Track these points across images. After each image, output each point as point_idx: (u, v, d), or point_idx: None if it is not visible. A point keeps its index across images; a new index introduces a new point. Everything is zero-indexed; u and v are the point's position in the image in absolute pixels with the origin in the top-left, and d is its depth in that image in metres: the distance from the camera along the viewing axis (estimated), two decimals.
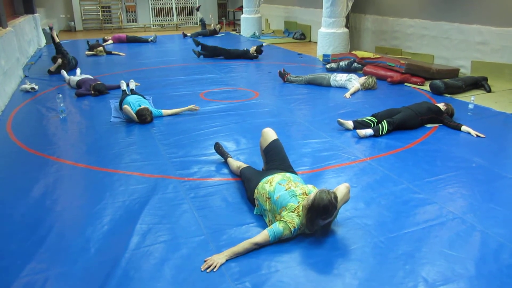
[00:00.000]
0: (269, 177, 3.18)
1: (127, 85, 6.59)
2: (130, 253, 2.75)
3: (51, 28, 9.23)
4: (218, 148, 4.21)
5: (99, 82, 6.86)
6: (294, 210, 2.85)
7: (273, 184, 3.06)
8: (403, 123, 5.01)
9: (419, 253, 2.76)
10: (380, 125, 4.92)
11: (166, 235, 2.97)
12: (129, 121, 5.43)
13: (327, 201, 2.70)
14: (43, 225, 3.10)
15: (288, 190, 2.98)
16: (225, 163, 4.10)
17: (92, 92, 6.70)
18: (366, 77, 7.11)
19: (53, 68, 8.26)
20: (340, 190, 2.89)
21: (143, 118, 5.30)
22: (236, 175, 3.85)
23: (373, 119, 5.10)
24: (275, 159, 3.47)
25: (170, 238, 2.92)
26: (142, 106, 5.42)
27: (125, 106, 5.38)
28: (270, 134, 3.60)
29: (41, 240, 2.91)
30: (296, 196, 2.93)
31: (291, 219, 2.81)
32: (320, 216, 2.75)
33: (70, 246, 2.86)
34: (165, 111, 5.66)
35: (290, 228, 2.79)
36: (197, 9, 16.08)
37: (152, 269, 2.61)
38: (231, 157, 4.08)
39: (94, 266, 2.65)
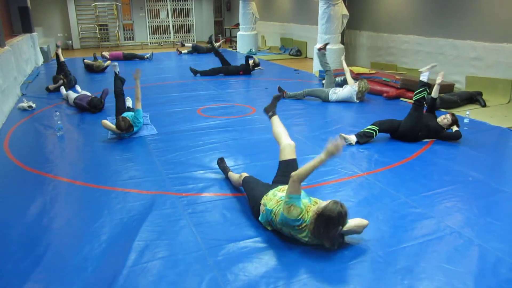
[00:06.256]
0: (282, 186, 3.19)
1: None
2: (127, 270, 2.73)
3: (58, 46, 9.06)
4: (222, 162, 4.25)
5: (93, 97, 6.85)
6: (307, 207, 2.89)
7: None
8: (391, 130, 5.18)
9: (418, 268, 2.75)
10: (363, 130, 5.13)
11: (164, 251, 2.96)
12: (123, 138, 5.43)
13: (337, 212, 2.73)
14: (40, 244, 3.08)
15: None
16: (226, 179, 4.11)
17: (89, 107, 6.73)
18: (357, 82, 7.19)
19: (52, 87, 8.26)
20: (356, 220, 2.97)
21: (119, 127, 5.27)
22: (236, 186, 3.86)
23: (374, 127, 5.14)
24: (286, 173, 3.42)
25: (168, 255, 2.91)
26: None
27: (103, 122, 5.40)
28: (290, 151, 3.53)
29: (38, 259, 2.89)
30: (310, 198, 3.00)
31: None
32: (327, 226, 2.77)
33: (68, 265, 2.84)
34: (136, 104, 5.58)
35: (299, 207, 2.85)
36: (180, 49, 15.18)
37: (150, 286, 2.59)
38: (231, 171, 4.09)
39: (91, 284, 2.63)
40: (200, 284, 2.60)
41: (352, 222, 2.93)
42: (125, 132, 5.36)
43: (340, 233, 2.84)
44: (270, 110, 3.94)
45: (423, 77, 5.10)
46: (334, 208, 2.74)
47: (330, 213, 2.73)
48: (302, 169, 2.82)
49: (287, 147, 3.54)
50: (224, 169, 4.19)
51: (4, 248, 3.06)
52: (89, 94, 7.24)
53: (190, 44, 14.48)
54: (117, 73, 6.38)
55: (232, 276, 2.67)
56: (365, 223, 2.98)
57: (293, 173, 2.82)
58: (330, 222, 2.74)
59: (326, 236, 2.81)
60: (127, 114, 5.59)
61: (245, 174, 3.74)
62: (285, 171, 3.37)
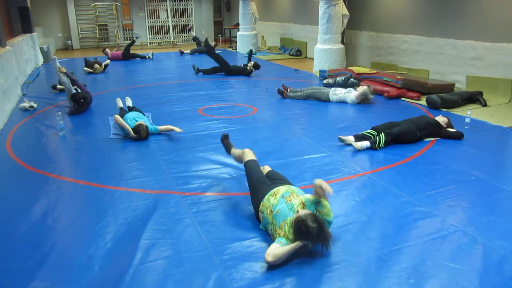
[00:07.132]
0: (274, 190, 3.18)
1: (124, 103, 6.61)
2: (134, 269, 2.74)
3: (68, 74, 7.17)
4: (226, 139, 4.11)
5: (74, 94, 6.73)
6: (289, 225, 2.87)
7: (277, 197, 3.07)
8: (402, 135, 5.03)
9: (423, 266, 2.77)
10: (378, 137, 4.95)
11: (169, 250, 2.97)
12: (128, 138, 5.43)
13: (304, 228, 2.72)
14: (45, 244, 3.09)
15: (288, 203, 2.99)
16: (229, 155, 4.06)
17: (77, 104, 6.69)
18: (364, 88, 7.13)
19: (59, 88, 8.14)
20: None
21: (139, 134, 5.31)
22: (239, 162, 3.85)
23: (373, 132, 5.13)
24: (277, 177, 3.51)
25: (174, 253, 2.92)
26: (139, 122, 5.44)
27: (116, 116, 5.44)
28: (251, 153, 3.71)
29: (44, 259, 2.90)
30: (294, 209, 2.94)
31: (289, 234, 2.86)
32: (304, 235, 2.76)
33: (73, 264, 2.85)
34: (160, 127, 5.64)
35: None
36: (189, 30, 16.17)
37: (156, 284, 2.60)
38: (234, 147, 4.01)
39: (98, 283, 2.64)
40: (206, 283, 2.61)
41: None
42: (138, 137, 5.36)
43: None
44: (228, 149, 4.07)
45: (363, 146, 4.90)
46: (300, 225, 2.73)
47: (298, 229, 2.75)
48: (279, 250, 2.76)
49: (247, 151, 3.71)
50: (227, 146, 4.08)
51: (9, 247, 3.06)
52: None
53: (189, 51, 14.47)
54: (121, 107, 6.38)
55: (239, 275, 2.68)
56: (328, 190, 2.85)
57: (269, 252, 2.75)
58: (305, 235, 2.75)
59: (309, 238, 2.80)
60: (144, 119, 5.65)
61: (247, 158, 3.63)
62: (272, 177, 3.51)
